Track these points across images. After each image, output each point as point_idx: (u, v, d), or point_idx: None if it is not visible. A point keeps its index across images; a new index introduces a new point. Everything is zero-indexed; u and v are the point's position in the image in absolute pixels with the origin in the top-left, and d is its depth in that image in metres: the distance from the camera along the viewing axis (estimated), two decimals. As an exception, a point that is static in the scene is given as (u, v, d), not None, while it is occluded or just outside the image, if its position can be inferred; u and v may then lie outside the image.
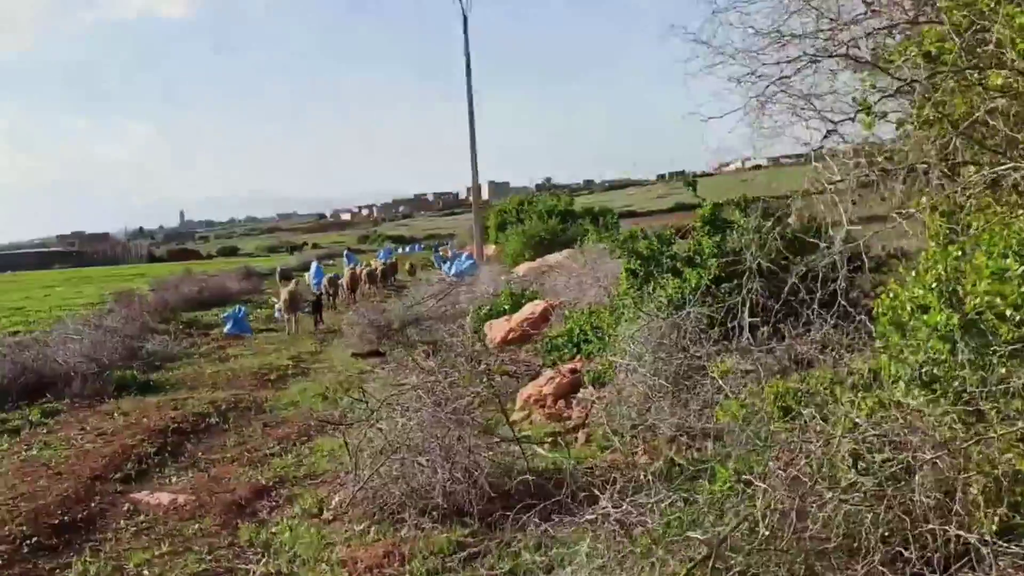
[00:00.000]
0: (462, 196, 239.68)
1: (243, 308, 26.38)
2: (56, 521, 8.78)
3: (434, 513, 7.89)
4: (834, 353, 8.05)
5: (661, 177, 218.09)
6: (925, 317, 5.92)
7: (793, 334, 9.00)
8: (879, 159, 8.29)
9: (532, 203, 43.07)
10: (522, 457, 8.87)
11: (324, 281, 33.68)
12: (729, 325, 9.72)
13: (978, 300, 5.62)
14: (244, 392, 15.46)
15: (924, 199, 7.58)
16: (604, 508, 5.55)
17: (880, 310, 6.55)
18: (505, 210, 44.28)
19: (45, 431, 12.92)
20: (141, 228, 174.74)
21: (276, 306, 28.37)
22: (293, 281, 38.45)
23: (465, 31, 44.29)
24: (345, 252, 56.66)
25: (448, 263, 39.86)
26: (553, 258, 30.54)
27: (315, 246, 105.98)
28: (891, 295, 6.42)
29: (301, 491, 9.51)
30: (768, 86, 9.18)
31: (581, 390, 11.44)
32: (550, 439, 10.19)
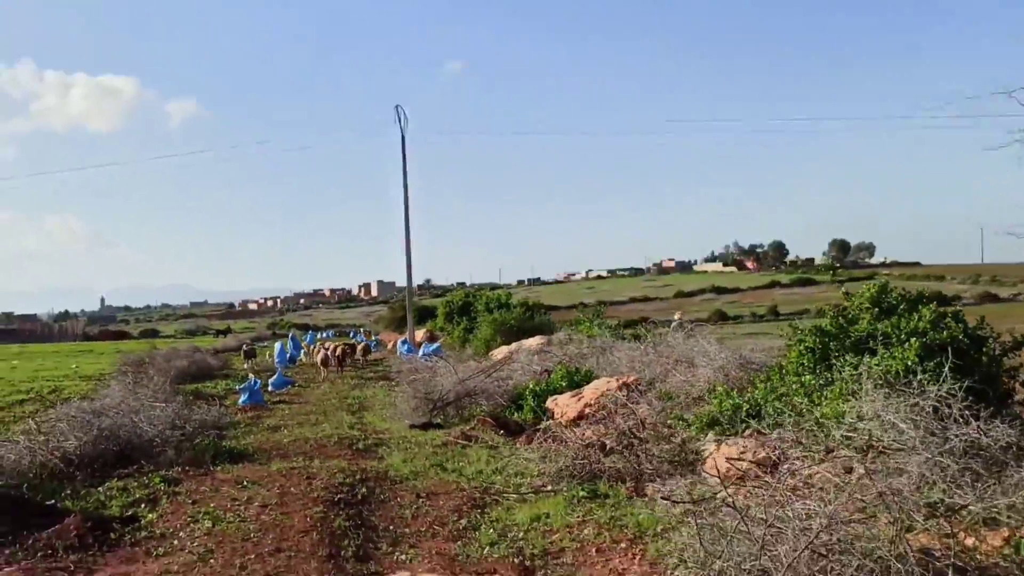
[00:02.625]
0: (354, 292, 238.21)
1: (257, 380, 23.83)
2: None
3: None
4: None
5: (521, 282, 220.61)
6: None
7: None
8: None
9: (477, 297, 41.67)
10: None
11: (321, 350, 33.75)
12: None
13: None
14: (347, 462, 13.25)
15: None
16: None
17: None
18: (451, 301, 42.60)
19: (191, 502, 10.55)
20: (66, 311, 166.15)
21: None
22: (254, 360, 36.26)
23: (403, 148, 44.03)
24: (356, 329, 64.05)
25: (406, 346, 37.90)
26: (530, 343, 29.03)
27: (229, 330, 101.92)
28: None
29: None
30: None
31: (782, 467, 9.82)
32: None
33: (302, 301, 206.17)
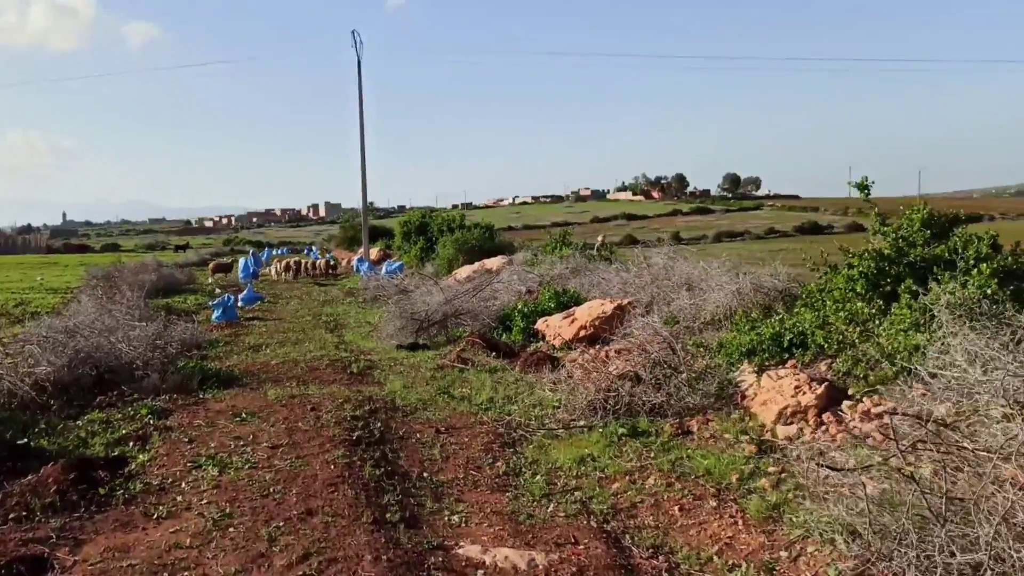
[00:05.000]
0: (303, 212, 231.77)
1: (231, 297, 21.28)
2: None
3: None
4: None
5: (455, 206, 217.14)
6: None
7: None
8: None
9: (432, 218, 39.07)
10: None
11: (278, 265, 34.93)
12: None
13: None
14: (346, 388, 11.08)
15: None
16: None
17: None
18: (408, 221, 39.92)
19: (186, 440, 8.29)
20: (29, 224, 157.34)
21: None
22: (227, 274, 33.58)
23: (359, 73, 40.32)
24: (310, 247, 63.58)
25: (366, 264, 35.33)
26: (492, 262, 26.81)
27: (188, 245, 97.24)
28: None
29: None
30: None
31: (845, 403, 7.97)
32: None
33: (255, 220, 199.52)
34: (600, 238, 34.91)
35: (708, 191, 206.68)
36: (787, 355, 9.27)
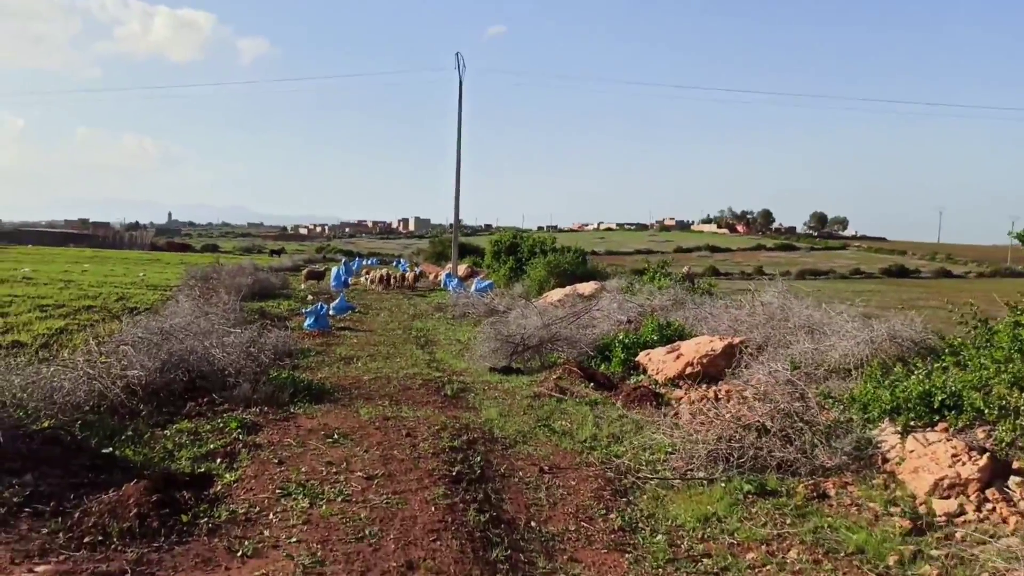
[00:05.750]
0: (393, 225, 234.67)
1: (323, 305, 20.86)
2: None
3: None
4: None
5: (540, 228, 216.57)
6: None
7: None
8: None
9: (523, 239, 38.31)
10: None
11: (372, 275, 34.87)
12: None
13: None
14: (440, 412, 10.29)
15: None
16: None
17: None
18: (499, 240, 39.26)
19: (276, 460, 7.59)
20: (136, 222, 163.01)
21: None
22: (319, 281, 33.42)
23: (460, 93, 39.89)
24: (399, 259, 63.22)
25: (455, 280, 34.73)
26: (585, 287, 25.85)
27: (283, 250, 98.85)
28: None
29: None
30: None
31: (1013, 479, 6.80)
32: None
33: (347, 229, 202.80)
34: (685, 269, 33.75)
35: (793, 228, 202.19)
36: (937, 417, 8.09)
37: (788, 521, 6.65)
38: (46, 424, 7.53)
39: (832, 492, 7.32)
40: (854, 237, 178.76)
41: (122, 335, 11.26)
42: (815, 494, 7.28)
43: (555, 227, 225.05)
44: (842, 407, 9.13)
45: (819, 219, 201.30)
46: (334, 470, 7.27)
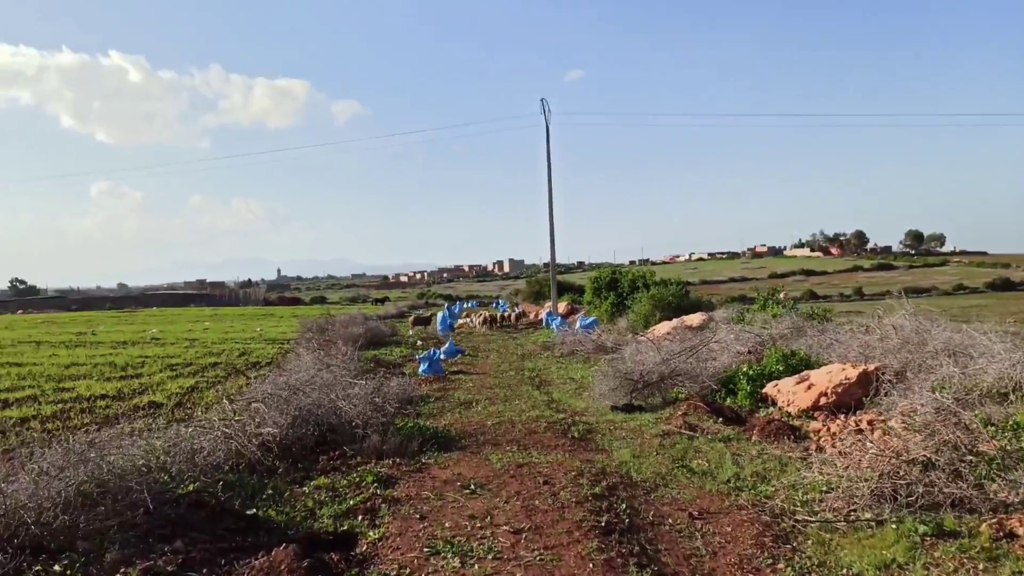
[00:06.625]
0: (488, 268, 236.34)
1: (436, 350, 20.73)
2: None
3: None
4: None
5: (632, 262, 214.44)
6: None
7: None
8: None
9: (623, 274, 37.68)
10: None
11: (475, 317, 35.89)
12: None
13: None
14: (572, 457, 9.79)
15: None
16: None
17: None
18: (599, 277, 38.70)
19: (417, 516, 7.22)
20: (249, 279, 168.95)
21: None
22: (425, 327, 33.46)
23: (547, 137, 39.69)
24: (498, 300, 66.48)
25: (557, 319, 34.25)
26: (692, 319, 25.02)
27: (387, 299, 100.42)
28: None
29: None
30: None
31: None
32: None
33: (445, 275, 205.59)
34: (782, 294, 32.46)
35: (889, 247, 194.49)
36: None
37: (980, 567, 5.88)
38: (190, 487, 7.38)
39: (1021, 531, 6.49)
40: (953, 252, 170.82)
41: (251, 392, 11.21)
42: (1001, 534, 6.46)
43: (647, 260, 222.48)
44: (1010, 435, 8.22)
45: (915, 237, 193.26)
46: (478, 524, 6.87)
